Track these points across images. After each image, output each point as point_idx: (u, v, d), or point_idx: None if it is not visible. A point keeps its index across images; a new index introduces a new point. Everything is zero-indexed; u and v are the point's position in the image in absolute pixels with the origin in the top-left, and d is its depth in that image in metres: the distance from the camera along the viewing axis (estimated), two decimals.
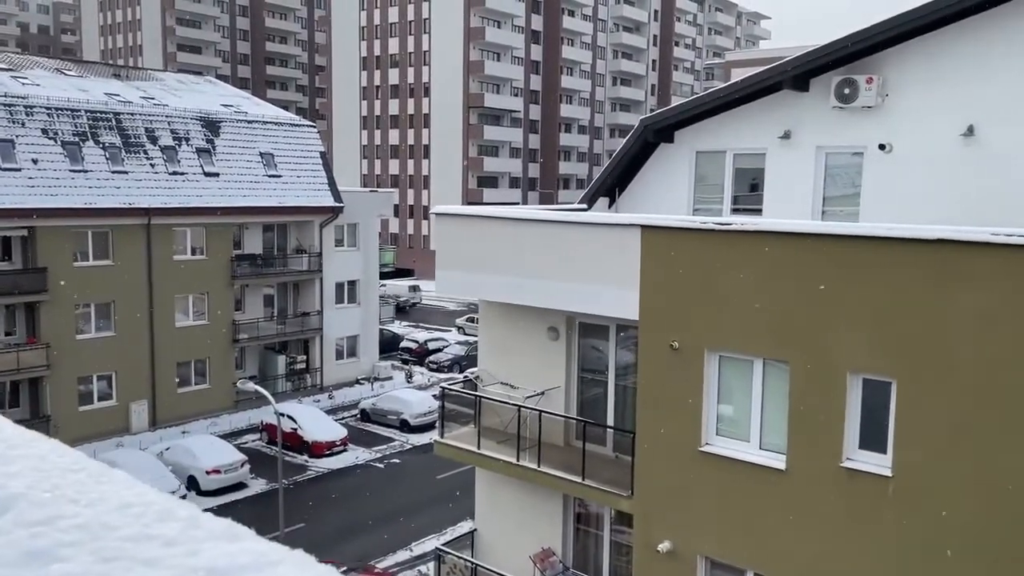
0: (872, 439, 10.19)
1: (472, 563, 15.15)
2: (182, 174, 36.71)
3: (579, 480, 12.72)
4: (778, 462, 10.77)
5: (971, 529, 9.37)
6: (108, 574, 0.83)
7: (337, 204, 41.79)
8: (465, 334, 54.68)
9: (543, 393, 13.97)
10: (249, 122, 40.36)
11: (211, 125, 38.84)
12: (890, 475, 9.92)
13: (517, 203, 77.66)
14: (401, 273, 77.43)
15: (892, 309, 9.72)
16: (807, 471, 10.52)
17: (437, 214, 14.44)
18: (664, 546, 11.73)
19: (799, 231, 10.50)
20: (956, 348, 9.33)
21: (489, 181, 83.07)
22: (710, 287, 11.13)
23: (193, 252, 37.32)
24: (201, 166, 37.54)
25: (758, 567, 11.13)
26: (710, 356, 11.30)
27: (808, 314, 10.34)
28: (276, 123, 41.52)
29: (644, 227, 11.64)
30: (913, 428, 9.71)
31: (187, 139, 37.63)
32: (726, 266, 10.97)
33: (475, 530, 15.72)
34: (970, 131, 12.75)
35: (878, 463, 10.08)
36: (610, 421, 13.58)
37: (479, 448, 14.16)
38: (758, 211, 14.95)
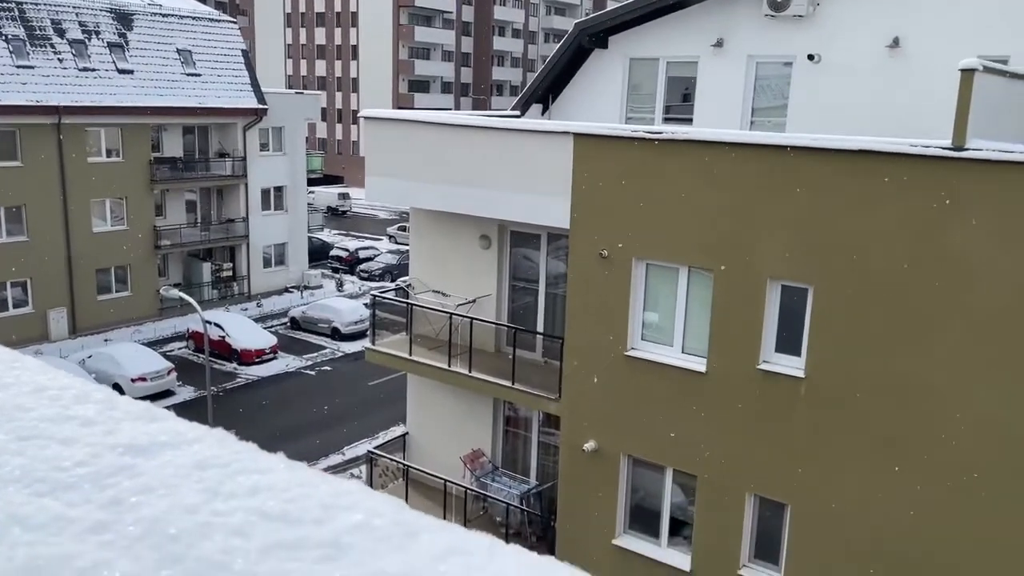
0: (787, 343, 10.65)
1: (404, 465, 15.49)
2: (93, 70, 34.64)
3: (509, 384, 13.00)
4: (699, 365, 11.19)
5: (876, 426, 9.98)
6: (23, 451, 0.82)
7: (261, 106, 40.24)
8: (396, 243, 54.26)
9: (474, 301, 14.08)
10: (164, 16, 38.10)
11: (123, 18, 36.53)
12: (803, 376, 10.43)
13: (449, 109, 76.06)
14: (330, 180, 75.73)
15: (813, 218, 10.02)
16: (726, 373, 10.98)
17: (366, 118, 14.06)
18: (589, 446, 12.18)
19: (727, 140, 10.63)
20: (871, 256, 9.72)
21: (420, 85, 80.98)
22: (640, 196, 11.24)
23: (108, 154, 35.63)
24: (114, 62, 35.46)
25: (678, 464, 11.69)
26: (638, 264, 11.51)
27: (733, 223, 10.58)
28: (194, 18, 39.29)
29: (576, 135, 11.60)
30: (826, 332, 10.18)
31: (97, 33, 35.37)
32: (656, 175, 11.07)
33: (407, 434, 16.01)
34: (895, 43, 12.95)
35: (792, 365, 10.58)
36: (540, 328, 13.82)
37: (411, 355, 14.28)
38: (689, 120, 15.03)
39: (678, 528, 12.17)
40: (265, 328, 36.25)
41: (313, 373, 33.31)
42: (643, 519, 12.33)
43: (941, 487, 9.62)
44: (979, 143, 9.03)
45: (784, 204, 10.20)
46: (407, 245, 19.78)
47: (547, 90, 16.58)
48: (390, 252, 50.04)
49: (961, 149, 9.06)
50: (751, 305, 10.64)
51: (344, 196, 67.99)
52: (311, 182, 52.10)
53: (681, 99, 15.54)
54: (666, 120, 15.47)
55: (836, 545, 10.43)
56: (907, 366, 9.67)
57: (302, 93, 51.08)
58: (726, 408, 11.03)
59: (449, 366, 13.73)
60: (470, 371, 13.48)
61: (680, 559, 11.87)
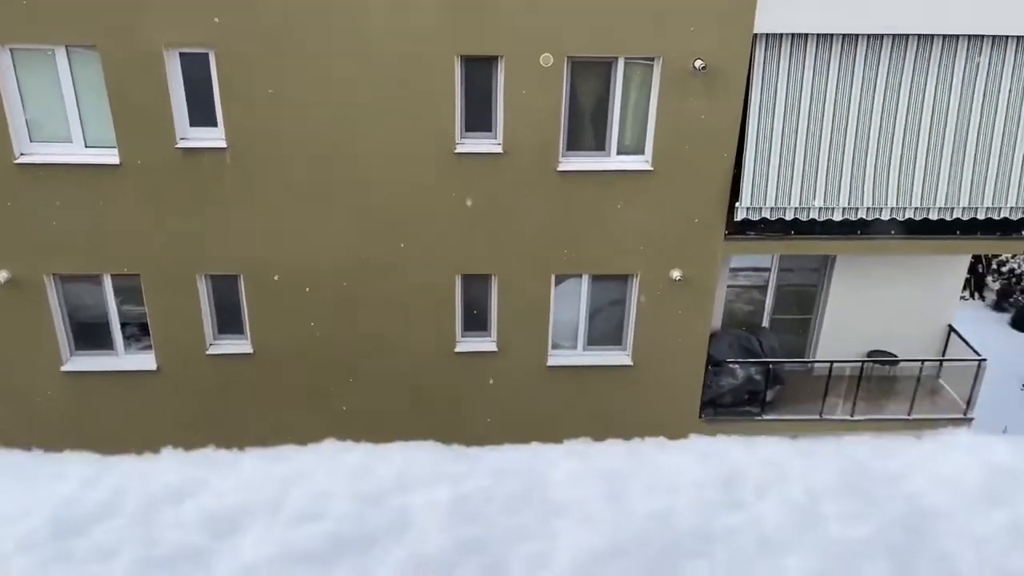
0: (201, 115, 10.16)
1: None
2: None
3: None
4: (111, 157, 10.08)
5: (302, 181, 10.43)
6: None
7: None
8: None
9: None
10: None
11: None
12: (225, 146, 10.20)
13: None
14: None
15: None
16: (143, 160, 10.12)
17: None
18: (3, 276, 10.38)
19: None
20: (264, 10, 9.51)
21: None
22: None
23: None
24: None
25: (115, 268, 10.76)
26: (0, 52, 9.40)
27: None
28: None
29: None
30: (238, 97, 9.94)
31: None
32: None
33: None
34: None
35: (212, 137, 10.22)
36: None
37: None
38: None
39: (128, 331, 11.50)
40: None
41: None
42: (91, 335, 11.31)
43: (367, 220, 10.74)
44: None
45: None
46: None
47: None
48: None
49: None
50: (152, 80, 9.72)
51: None
52: None
53: None
54: None
55: (287, 300, 11.06)
56: (320, 114, 10.10)
57: None
58: (153, 195, 10.31)
59: None
60: None
61: (143, 361, 11.39)
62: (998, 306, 21.27)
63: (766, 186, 10.56)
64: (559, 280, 11.47)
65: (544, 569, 0.65)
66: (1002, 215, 10.89)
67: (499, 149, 10.47)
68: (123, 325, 11.35)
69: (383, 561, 0.65)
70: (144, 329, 11.32)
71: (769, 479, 0.77)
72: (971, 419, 12.46)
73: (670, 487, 0.74)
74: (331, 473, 0.74)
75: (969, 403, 12.41)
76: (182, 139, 10.15)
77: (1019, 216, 10.96)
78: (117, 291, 11.09)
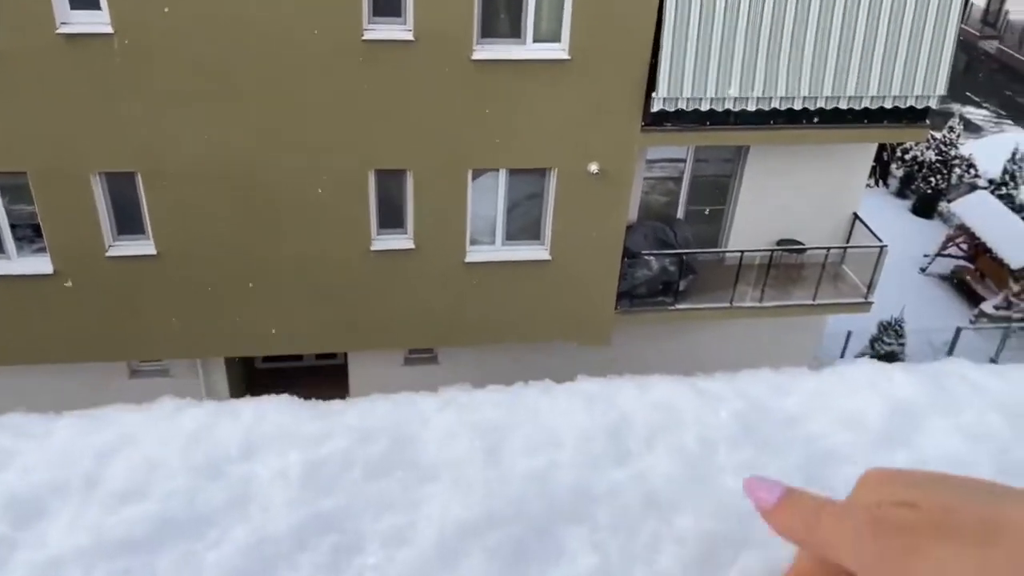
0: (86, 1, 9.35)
1: None
2: None
3: None
4: None
5: (199, 70, 9.76)
6: None
7: None
8: None
9: None
10: None
11: None
12: (111, 32, 9.44)
13: None
14: None
15: None
16: (21, 47, 9.31)
17: None
18: None
19: None
20: None
21: None
22: None
23: None
24: None
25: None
26: None
27: None
28: None
29: None
30: None
31: None
32: None
33: None
34: None
35: (96, 21, 9.43)
36: None
37: None
38: None
39: (20, 232, 10.86)
40: None
41: None
42: None
43: (272, 112, 10.20)
44: None
45: None
46: None
47: None
48: None
49: None
50: None
51: None
52: None
53: None
54: None
55: (190, 199, 10.52)
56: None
57: None
58: (35, 87, 9.53)
59: None
60: None
61: (38, 264, 10.82)
62: (901, 193, 22.06)
63: (683, 76, 10.44)
64: (476, 174, 11.25)
65: (405, 546, 0.58)
66: (908, 104, 11.11)
67: (410, 36, 9.98)
68: (14, 227, 10.69)
69: (217, 545, 0.57)
70: (38, 231, 10.69)
71: (661, 425, 0.71)
72: (871, 303, 13.07)
73: (552, 440, 0.67)
74: (162, 439, 0.64)
75: (870, 287, 12.97)
76: (63, 23, 9.33)
77: (924, 105, 11.20)
78: (4, 190, 10.38)
